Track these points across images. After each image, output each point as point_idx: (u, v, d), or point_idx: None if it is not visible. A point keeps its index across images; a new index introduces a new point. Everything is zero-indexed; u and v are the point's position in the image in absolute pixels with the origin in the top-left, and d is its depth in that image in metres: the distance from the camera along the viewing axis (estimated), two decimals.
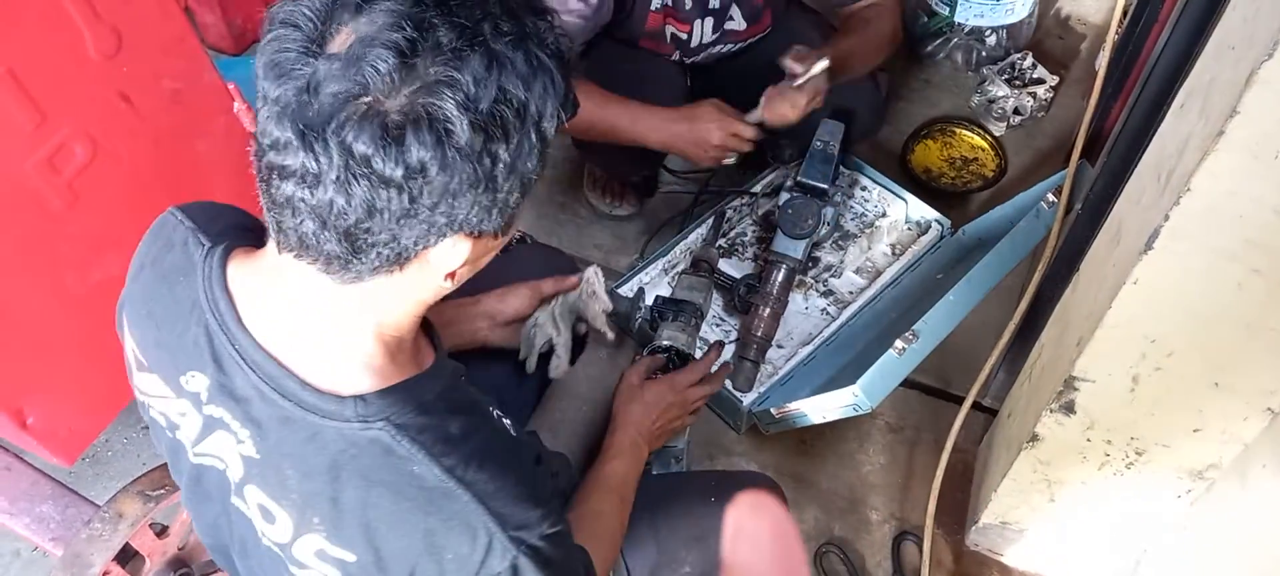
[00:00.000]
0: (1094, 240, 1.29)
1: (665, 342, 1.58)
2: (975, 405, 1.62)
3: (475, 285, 1.39)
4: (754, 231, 2.05)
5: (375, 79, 0.62)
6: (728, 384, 1.78)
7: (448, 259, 0.72)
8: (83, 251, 1.42)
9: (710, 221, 2.02)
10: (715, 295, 1.90)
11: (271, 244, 0.74)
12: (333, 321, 0.75)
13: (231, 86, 1.60)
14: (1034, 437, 1.32)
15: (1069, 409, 1.25)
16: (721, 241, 2.01)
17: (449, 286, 0.76)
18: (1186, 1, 1.30)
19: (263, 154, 0.67)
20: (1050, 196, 1.74)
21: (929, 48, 2.45)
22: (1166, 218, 0.97)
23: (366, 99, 0.62)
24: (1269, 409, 1.12)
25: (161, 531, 1.40)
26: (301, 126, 0.63)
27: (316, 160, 0.63)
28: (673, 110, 1.69)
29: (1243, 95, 0.85)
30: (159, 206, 1.42)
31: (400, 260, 0.70)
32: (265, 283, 0.77)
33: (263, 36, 0.66)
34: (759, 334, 1.76)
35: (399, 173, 0.63)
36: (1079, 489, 1.39)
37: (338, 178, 0.64)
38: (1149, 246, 1.00)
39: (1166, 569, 1.48)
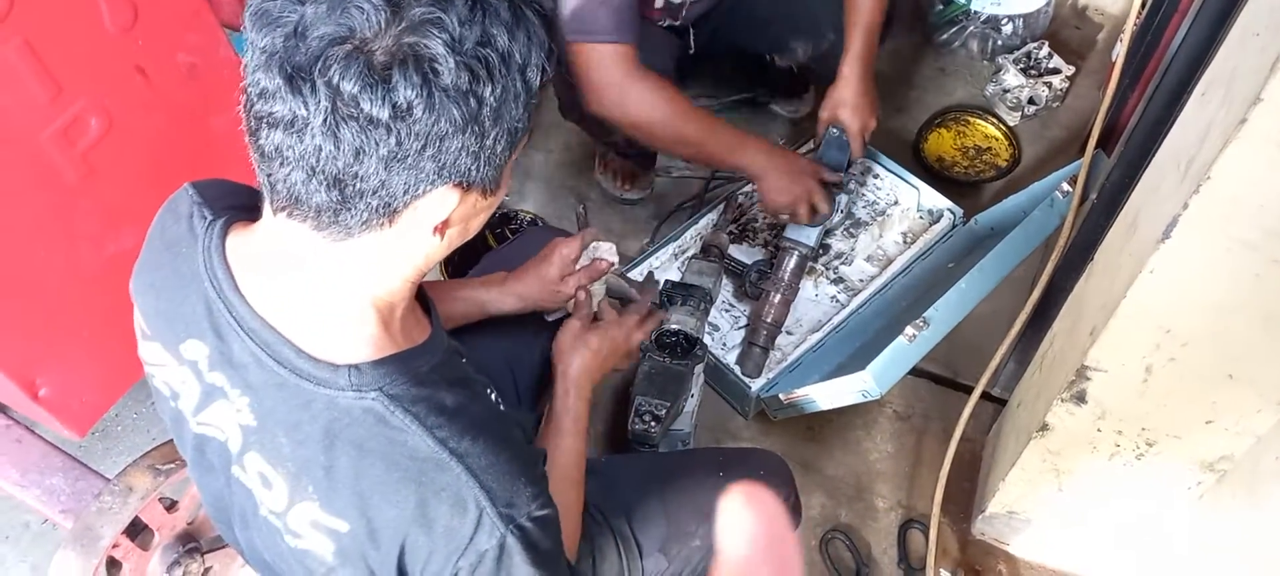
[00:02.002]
0: (1109, 230, 1.28)
1: (674, 326, 1.59)
2: (984, 395, 1.61)
3: (502, 268, 1.40)
4: (766, 217, 2.04)
5: (362, 21, 0.63)
6: (737, 369, 1.78)
7: (436, 210, 0.72)
8: (97, 224, 1.42)
9: (721, 207, 2.02)
10: (725, 280, 1.90)
11: (267, 210, 0.74)
12: (327, 286, 0.75)
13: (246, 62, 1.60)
14: (1044, 427, 1.32)
15: (1080, 398, 1.24)
16: (733, 227, 2.01)
17: (439, 244, 0.76)
18: None
19: (251, 105, 0.68)
20: (1065, 186, 1.73)
21: (944, 36, 2.43)
22: (1186, 206, 0.96)
23: (354, 40, 0.63)
24: None
25: (171, 505, 1.41)
26: (289, 71, 0.64)
27: (305, 103, 0.64)
28: (778, 148, 1.70)
29: (1267, 83, 0.84)
30: (173, 180, 1.42)
31: (389, 211, 0.70)
32: (261, 249, 0.78)
33: None
34: (769, 320, 1.76)
35: (386, 113, 0.64)
36: (1088, 479, 1.39)
37: (325, 121, 0.64)
38: (1167, 236, 0.99)
39: (1175, 561, 1.48)
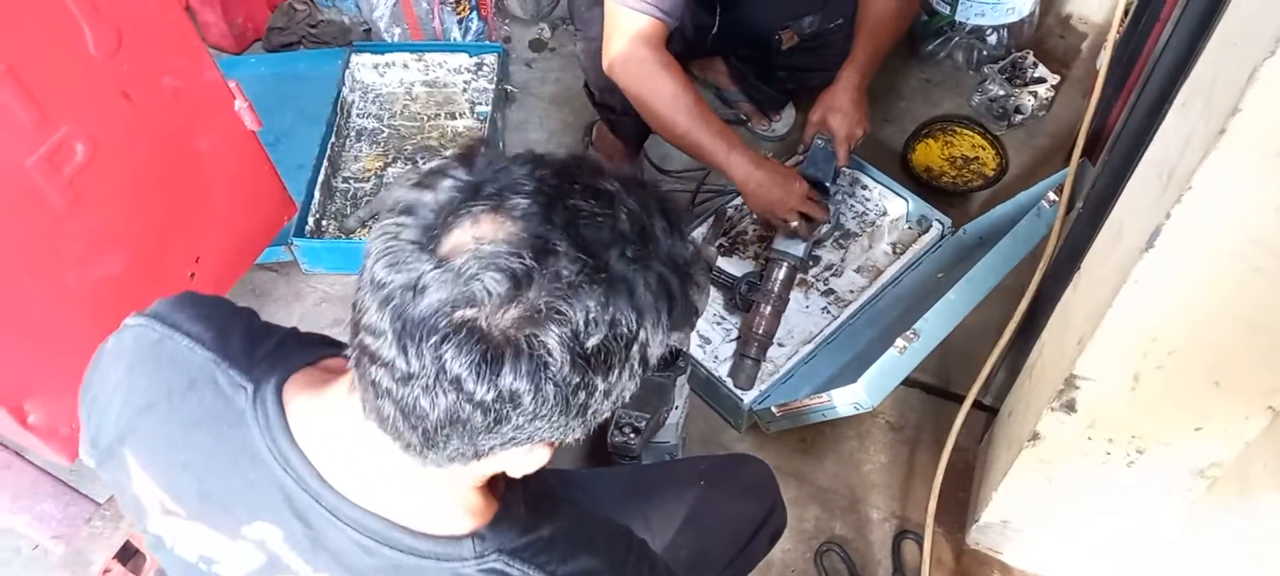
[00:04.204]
0: (1095, 239, 1.29)
1: None
2: (976, 404, 1.62)
3: None
4: (755, 229, 2.05)
5: (484, 298, 0.60)
6: (728, 382, 1.79)
7: (523, 464, 0.71)
8: (84, 249, 1.42)
9: (711, 220, 2.02)
10: (714, 293, 1.90)
11: (346, 394, 0.71)
12: (430, 480, 0.73)
13: (232, 85, 1.60)
14: (1035, 436, 1.32)
15: (1070, 407, 1.25)
16: (722, 240, 2.01)
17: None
18: (1188, 0, 1.30)
19: (358, 331, 0.65)
20: (1051, 195, 1.74)
21: (930, 46, 2.44)
22: (1168, 216, 0.97)
23: (470, 314, 0.60)
24: (1270, 407, 1.12)
25: None
26: (400, 325, 0.61)
27: (408, 362, 0.61)
28: (766, 160, 1.72)
29: (1245, 93, 0.84)
30: (159, 205, 1.43)
31: (477, 458, 0.69)
32: (344, 435, 0.73)
33: (382, 212, 0.64)
34: (760, 332, 1.76)
35: (490, 397, 0.61)
36: (1080, 487, 1.39)
37: (427, 386, 0.62)
38: (1150, 245, 1.00)
39: (1167, 567, 1.48)
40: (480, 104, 2.36)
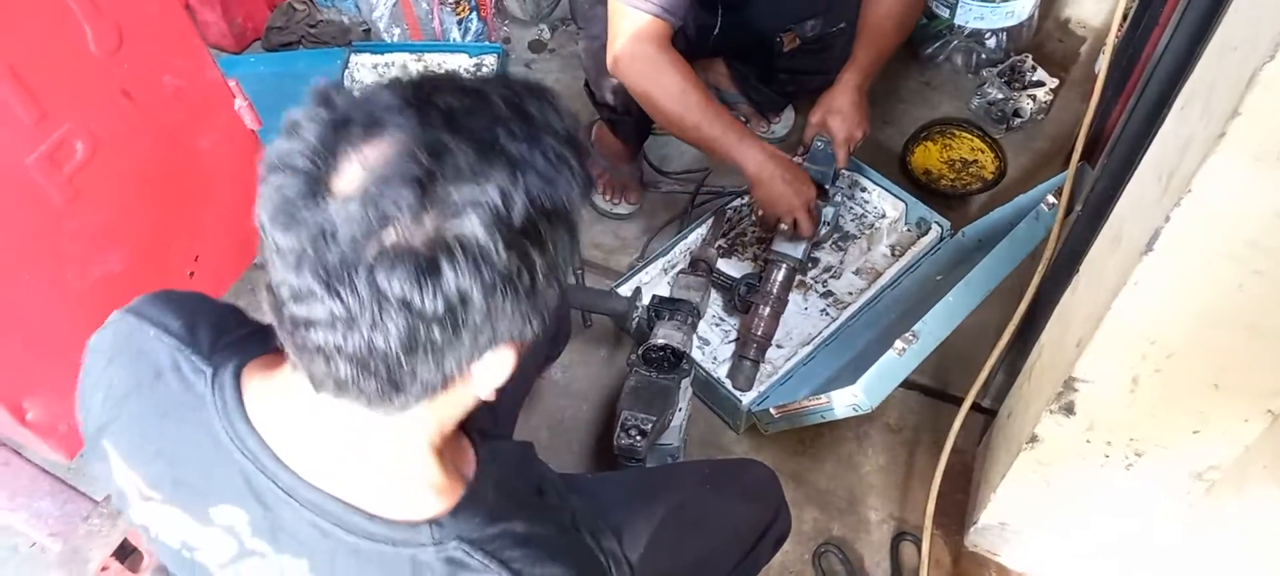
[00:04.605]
0: (1094, 242, 1.29)
1: (660, 341, 1.59)
2: (974, 406, 1.62)
3: None
4: (754, 231, 2.05)
5: (397, 215, 0.58)
6: (727, 383, 1.79)
7: (495, 373, 0.69)
8: (83, 247, 1.42)
9: (710, 221, 2.02)
10: (714, 294, 1.90)
11: (297, 376, 0.69)
12: (385, 448, 0.73)
13: (232, 83, 1.60)
14: (1033, 438, 1.33)
15: (1069, 410, 1.25)
16: (721, 241, 2.02)
17: (493, 396, 0.74)
18: (1187, 4, 1.30)
19: (283, 305, 0.63)
20: (1050, 198, 1.74)
21: (929, 50, 2.45)
22: (1167, 219, 0.97)
23: (389, 234, 0.59)
24: (1269, 410, 1.12)
25: None
26: (325, 274, 0.59)
27: (346, 305, 0.60)
28: (778, 153, 1.72)
29: (1244, 97, 0.85)
30: (159, 203, 1.43)
31: (445, 384, 0.67)
32: (298, 415, 0.73)
33: (260, 181, 0.62)
34: (759, 333, 1.77)
35: (440, 306, 0.60)
36: (1078, 489, 1.39)
37: (373, 320, 0.60)
38: (1150, 248, 1.00)
39: (1166, 570, 1.48)
40: None
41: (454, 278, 0.59)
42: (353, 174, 0.60)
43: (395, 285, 0.59)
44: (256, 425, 0.74)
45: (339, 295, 0.60)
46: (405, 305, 0.59)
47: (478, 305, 0.61)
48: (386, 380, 0.64)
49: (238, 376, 0.76)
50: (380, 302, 0.59)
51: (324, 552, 0.74)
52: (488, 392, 0.72)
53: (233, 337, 0.79)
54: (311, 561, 0.75)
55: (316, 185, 0.60)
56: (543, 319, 0.68)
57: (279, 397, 0.74)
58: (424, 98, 0.63)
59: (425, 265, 0.59)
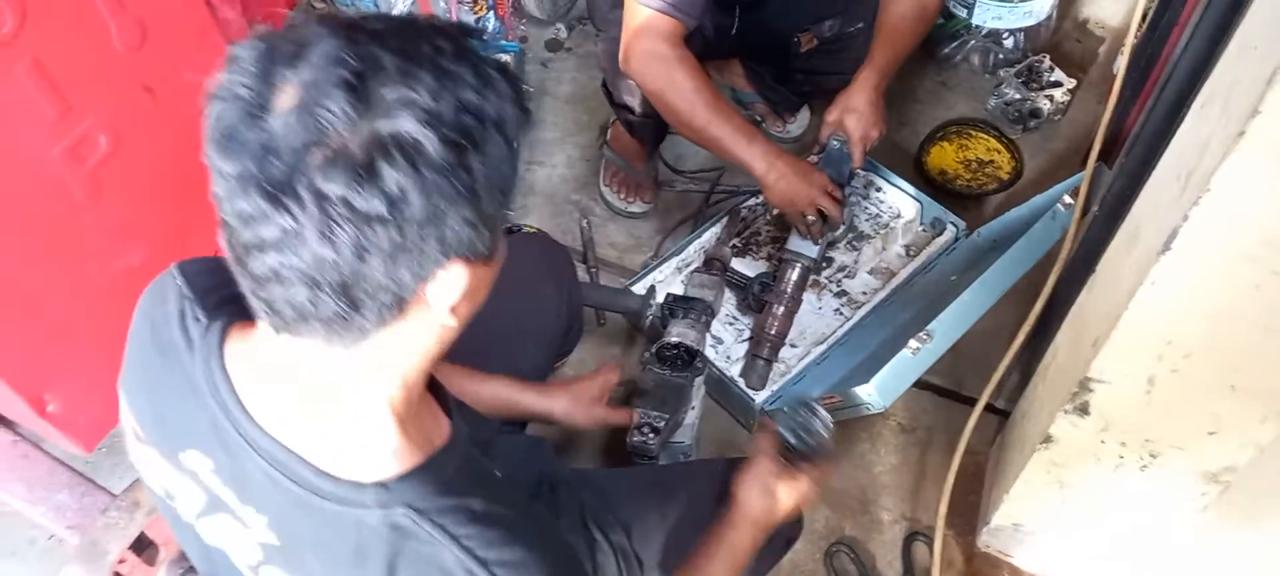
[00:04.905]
0: (1111, 242, 1.29)
1: (674, 339, 1.59)
2: (988, 407, 1.61)
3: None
4: (769, 230, 2.05)
5: (332, 121, 0.60)
6: (740, 382, 1.79)
7: (448, 291, 0.69)
8: (105, 241, 1.43)
9: (724, 220, 2.03)
10: (728, 293, 1.91)
11: (265, 329, 0.71)
12: (342, 398, 0.73)
13: None
14: (1048, 439, 1.32)
15: (1083, 410, 1.24)
16: (736, 240, 2.02)
17: (453, 325, 0.73)
18: (1208, 4, 1.30)
19: (233, 234, 0.65)
20: (1067, 198, 1.74)
21: (946, 50, 2.44)
22: (1186, 218, 0.97)
23: (329, 142, 0.60)
24: None
25: None
26: (268, 190, 0.61)
27: (293, 217, 0.61)
28: (786, 153, 1.71)
29: (1265, 96, 0.84)
30: (179, 197, 1.44)
31: (400, 304, 0.68)
32: (265, 364, 0.75)
33: (205, 117, 0.64)
34: (772, 332, 1.77)
35: (381, 205, 0.61)
36: (1092, 491, 1.38)
37: (319, 230, 0.61)
38: (1167, 247, 1.00)
39: (1180, 572, 1.47)
40: None
41: (392, 175, 0.61)
42: (289, 91, 0.62)
43: (335, 187, 0.60)
44: (231, 374, 0.76)
45: (286, 208, 0.61)
46: (348, 206, 0.61)
47: (417, 204, 0.62)
48: (340, 295, 0.65)
49: (226, 330, 0.78)
50: (324, 208, 0.61)
51: (277, 505, 0.75)
52: (446, 314, 0.71)
53: (234, 295, 0.80)
54: (270, 517, 0.76)
55: (255, 107, 0.62)
56: (492, 235, 0.70)
57: (252, 349, 0.76)
58: (352, 23, 0.65)
59: (363, 165, 0.60)
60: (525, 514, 0.82)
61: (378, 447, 0.74)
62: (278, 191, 0.61)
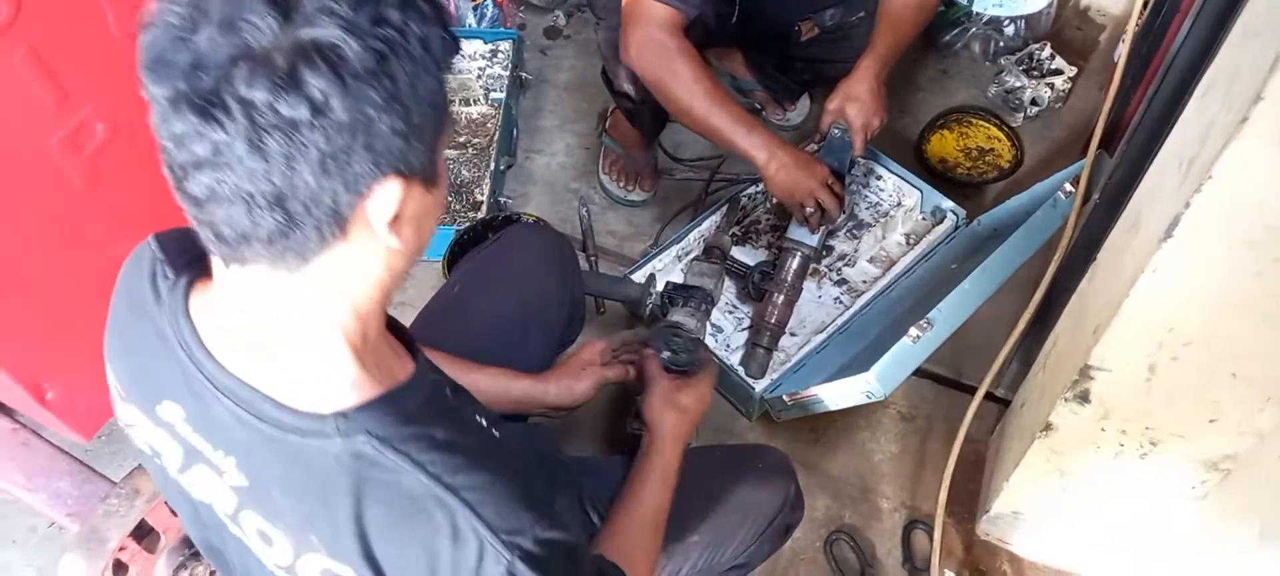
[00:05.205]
0: (1112, 230, 1.28)
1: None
2: (988, 395, 1.61)
3: (485, 271, 1.41)
4: (768, 219, 2.04)
5: (254, 34, 0.62)
6: (740, 370, 1.79)
7: (385, 206, 0.70)
8: (103, 229, 1.43)
9: (724, 209, 2.02)
10: (728, 282, 1.90)
11: (218, 266, 0.73)
12: (295, 329, 0.74)
13: None
14: (1048, 427, 1.32)
15: (1084, 398, 1.25)
16: (735, 228, 2.01)
17: (398, 250, 0.74)
18: None
19: (171, 158, 0.66)
20: (1068, 186, 1.73)
21: (946, 37, 2.43)
22: (1187, 205, 0.97)
23: (253, 53, 0.62)
24: None
25: None
26: (197, 104, 0.62)
27: (223, 130, 0.62)
28: (786, 143, 1.70)
29: (1267, 82, 0.84)
30: None
31: (339, 220, 0.68)
32: (222, 306, 0.77)
33: (138, 47, 0.65)
34: (772, 321, 1.77)
35: (305, 111, 0.62)
36: (1092, 479, 1.39)
37: (247, 139, 0.63)
38: (1169, 234, 1.00)
39: (1179, 560, 1.48)
40: (495, 90, 2.37)
41: (314, 80, 0.62)
42: (214, 9, 0.63)
43: (260, 94, 0.61)
44: (196, 323, 0.78)
45: (216, 121, 0.62)
46: (273, 113, 0.62)
47: (341, 110, 0.63)
48: (275, 207, 0.66)
49: (192, 283, 0.80)
50: (251, 117, 0.62)
51: (244, 445, 0.77)
52: (387, 234, 0.71)
53: (201, 254, 0.81)
54: (238, 458, 0.78)
55: (184, 31, 0.63)
56: (430, 154, 0.71)
57: (213, 296, 0.78)
58: None
59: (285, 71, 0.62)
60: (492, 442, 0.82)
61: (336, 379, 0.75)
62: (207, 104, 0.62)
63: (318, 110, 0.63)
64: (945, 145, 2.23)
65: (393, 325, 0.84)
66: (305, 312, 0.73)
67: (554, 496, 1.03)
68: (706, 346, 1.49)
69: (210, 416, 0.77)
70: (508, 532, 0.74)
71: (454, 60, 0.71)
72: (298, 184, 0.65)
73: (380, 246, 0.72)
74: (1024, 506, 1.54)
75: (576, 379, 1.35)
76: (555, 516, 0.80)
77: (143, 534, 1.38)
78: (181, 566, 1.42)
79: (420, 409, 0.77)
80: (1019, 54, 2.36)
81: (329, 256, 0.70)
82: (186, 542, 1.44)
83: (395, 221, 0.71)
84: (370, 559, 0.75)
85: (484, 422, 0.84)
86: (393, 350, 0.82)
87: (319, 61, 0.62)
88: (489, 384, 1.28)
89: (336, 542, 0.75)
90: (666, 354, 1.35)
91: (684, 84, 1.61)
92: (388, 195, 0.69)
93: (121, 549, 1.34)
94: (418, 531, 0.73)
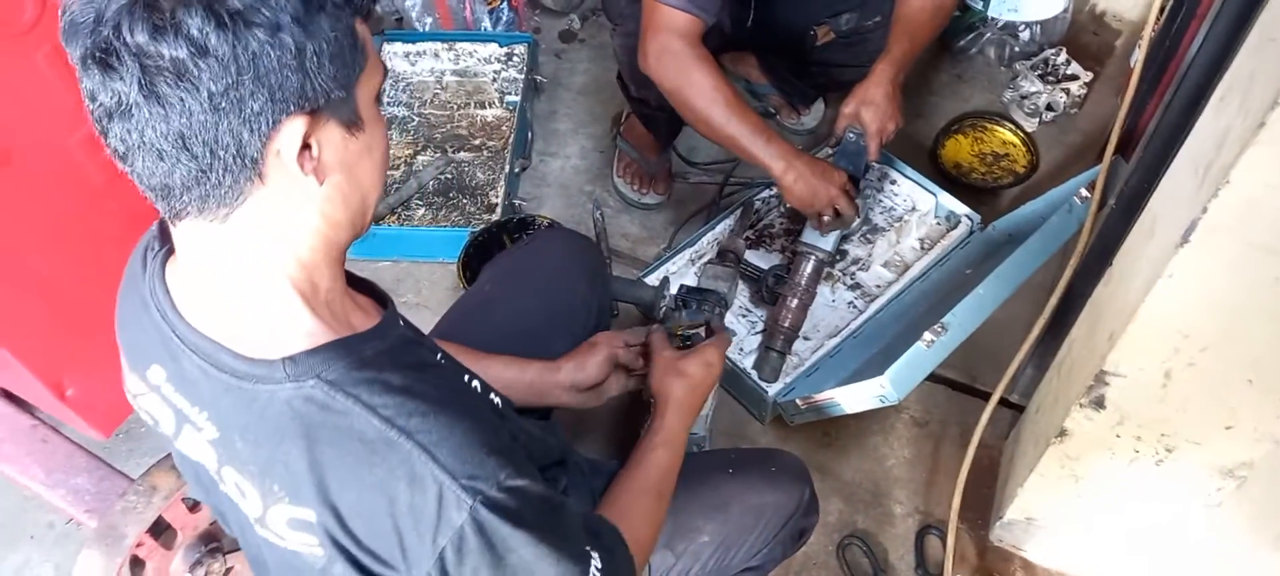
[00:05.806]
0: (1127, 235, 1.28)
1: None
2: (1002, 400, 1.61)
3: (517, 271, 1.41)
4: (783, 223, 2.05)
5: None
6: (754, 374, 1.79)
7: (290, 145, 0.71)
8: (123, 227, 1.44)
9: (738, 212, 2.02)
10: (741, 285, 1.91)
11: (173, 227, 0.76)
12: (241, 278, 0.76)
13: None
14: (1062, 432, 1.32)
15: (1099, 404, 1.24)
16: (749, 232, 2.02)
17: (328, 193, 0.75)
18: None
19: (92, 116, 0.70)
20: (1083, 191, 1.73)
21: (961, 42, 2.43)
22: (1204, 211, 0.96)
23: (140, 2, 0.65)
24: None
25: (194, 505, 1.43)
26: (99, 57, 0.66)
27: (122, 79, 0.66)
28: (803, 153, 1.71)
29: None
30: None
31: (251, 162, 0.70)
32: (184, 266, 0.80)
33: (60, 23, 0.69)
34: (786, 325, 1.77)
35: (184, 51, 0.65)
36: (1106, 485, 1.38)
37: (140, 85, 0.66)
38: (1185, 240, 0.99)
39: (1194, 567, 1.47)
40: (509, 94, 2.38)
41: (191, 21, 0.65)
42: None
43: (143, 38, 0.65)
44: (170, 286, 0.81)
45: (115, 72, 0.66)
46: (158, 56, 0.65)
47: (223, 48, 0.66)
48: (183, 152, 0.68)
49: (171, 252, 0.83)
50: (141, 64, 0.65)
51: (210, 397, 0.79)
52: (301, 174, 0.72)
53: None
54: (209, 411, 0.80)
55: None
56: (344, 93, 0.73)
57: (179, 257, 0.80)
58: None
59: (168, 14, 0.65)
60: (454, 391, 0.82)
61: (289, 328, 0.76)
62: (106, 57, 0.66)
63: (200, 50, 0.65)
64: (960, 150, 2.23)
65: (364, 284, 0.88)
66: (246, 264, 0.75)
67: (559, 476, 1.02)
68: (720, 317, 1.49)
69: (184, 374, 0.80)
70: (468, 477, 0.73)
71: (368, 3, 0.74)
72: (195, 126, 0.68)
73: (305, 193, 0.74)
74: (1038, 512, 1.53)
75: (588, 355, 1.34)
76: (526, 468, 0.79)
77: (160, 530, 1.39)
78: (198, 563, 1.43)
79: (378, 356, 0.77)
80: (1034, 59, 2.35)
81: (254, 204, 0.72)
82: (203, 539, 1.45)
83: (317, 165, 0.73)
84: (330, 505, 0.75)
85: (470, 381, 0.86)
86: (358, 305, 0.84)
87: (196, 4, 0.65)
88: (501, 370, 1.28)
89: (297, 489, 0.76)
90: (671, 320, 1.37)
91: (702, 93, 1.61)
92: (293, 133, 0.71)
93: (139, 545, 1.35)
94: (373, 474, 0.73)
